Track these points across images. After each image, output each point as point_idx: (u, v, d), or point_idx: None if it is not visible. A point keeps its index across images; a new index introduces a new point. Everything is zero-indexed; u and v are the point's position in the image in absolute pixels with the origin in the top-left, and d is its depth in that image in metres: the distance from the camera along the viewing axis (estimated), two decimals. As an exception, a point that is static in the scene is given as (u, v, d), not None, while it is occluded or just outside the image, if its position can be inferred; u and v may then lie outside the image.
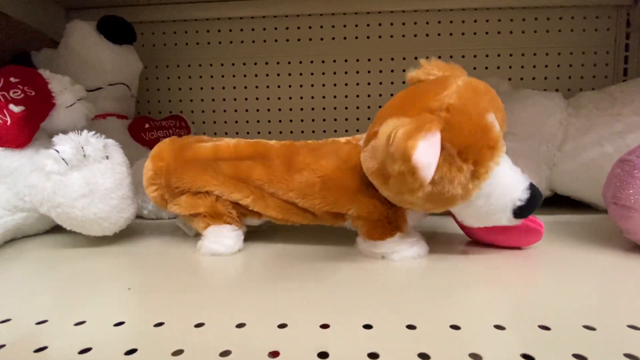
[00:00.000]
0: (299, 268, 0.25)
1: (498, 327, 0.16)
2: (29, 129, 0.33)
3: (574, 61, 0.59)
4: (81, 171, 0.28)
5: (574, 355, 0.14)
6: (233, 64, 0.62)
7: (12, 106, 0.32)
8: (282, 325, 0.17)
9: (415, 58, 0.62)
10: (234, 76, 0.62)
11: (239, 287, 0.22)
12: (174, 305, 0.20)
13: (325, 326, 0.17)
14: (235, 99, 0.63)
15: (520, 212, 0.23)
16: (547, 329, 0.16)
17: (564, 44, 0.59)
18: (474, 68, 0.60)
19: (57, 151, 0.28)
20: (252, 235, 0.33)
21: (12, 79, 0.33)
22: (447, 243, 0.30)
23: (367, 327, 0.17)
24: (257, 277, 0.24)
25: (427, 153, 0.19)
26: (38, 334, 0.17)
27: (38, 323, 0.18)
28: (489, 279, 0.23)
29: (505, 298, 0.20)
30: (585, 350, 0.14)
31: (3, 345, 0.16)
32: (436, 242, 0.30)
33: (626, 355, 0.14)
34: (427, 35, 0.60)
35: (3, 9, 0.48)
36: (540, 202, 0.24)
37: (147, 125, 0.54)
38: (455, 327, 0.16)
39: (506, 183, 0.23)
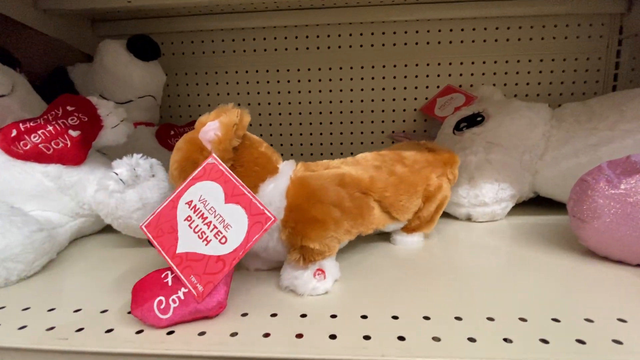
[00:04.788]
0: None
1: (457, 318, 0.23)
2: (85, 149, 0.39)
3: (567, 67, 0.63)
4: (135, 189, 0.34)
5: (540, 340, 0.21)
6: (247, 72, 0.67)
7: (70, 131, 0.38)
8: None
9: (416, 65, 0.66)
10: (247, 82, 0.67)
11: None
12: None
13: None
14: (249, 104, 0.68)
15: None
16: (525, 320, 0.23)
17: (557, 50, 0.62)
18: (472, 74, 0.64)
19: (116, 174, 0.34)
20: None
21: (68, 108, 0.39)
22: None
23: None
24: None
25: None
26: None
27: (102, 312, 0.26)
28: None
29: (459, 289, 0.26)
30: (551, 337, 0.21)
31: (81, 329, 0.23)
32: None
33: (577, 340, 0.21)
34: (427, 43, 0.63)
35: (38, 28, 0.53)
36: None
37: (172, 132, 0.59)
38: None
39: None
